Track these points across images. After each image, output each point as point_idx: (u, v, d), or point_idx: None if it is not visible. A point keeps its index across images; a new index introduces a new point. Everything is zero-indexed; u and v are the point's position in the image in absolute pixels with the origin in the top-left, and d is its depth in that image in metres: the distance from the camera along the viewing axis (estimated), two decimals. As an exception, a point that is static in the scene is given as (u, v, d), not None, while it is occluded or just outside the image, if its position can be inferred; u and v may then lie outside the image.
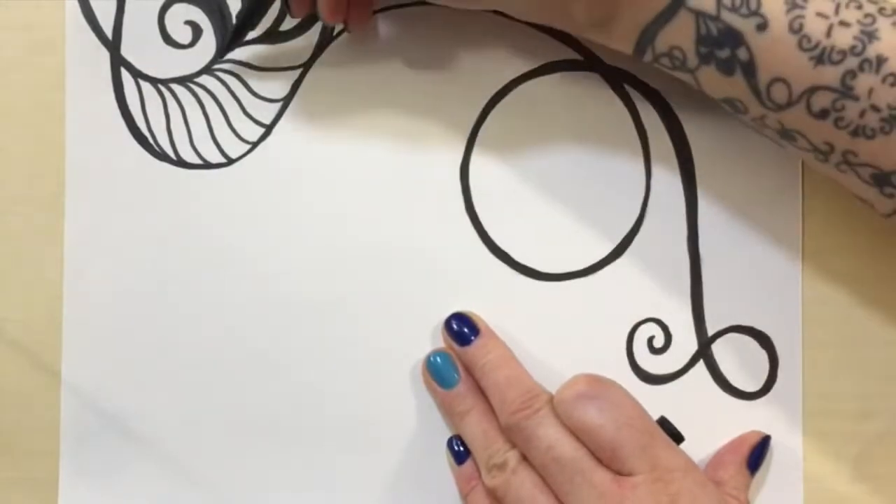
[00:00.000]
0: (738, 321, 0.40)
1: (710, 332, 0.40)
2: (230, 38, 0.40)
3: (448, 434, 0.40)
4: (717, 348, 0.40)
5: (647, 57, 0.35)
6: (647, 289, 0.41)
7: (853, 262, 0.40)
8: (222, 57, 0.41)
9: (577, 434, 0.35)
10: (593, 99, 0.40)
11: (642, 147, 0.41)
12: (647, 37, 0.34)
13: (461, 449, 0.39)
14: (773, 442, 0.40)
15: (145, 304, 0.41)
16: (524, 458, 0.36)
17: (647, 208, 0.41)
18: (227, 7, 0.41)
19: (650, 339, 0.41)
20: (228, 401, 0.41)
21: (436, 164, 0.41)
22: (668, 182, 0.41)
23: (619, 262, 0.41)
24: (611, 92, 0.40)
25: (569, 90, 0.40)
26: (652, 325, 0.41)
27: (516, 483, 0.36)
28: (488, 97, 0.41)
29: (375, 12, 0.40)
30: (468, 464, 0.39)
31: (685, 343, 0.41)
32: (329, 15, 0.38)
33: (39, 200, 0.41)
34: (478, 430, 0.38)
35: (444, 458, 0.40)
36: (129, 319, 0.41)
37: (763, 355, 0.40)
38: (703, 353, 0.40)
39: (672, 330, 0.41)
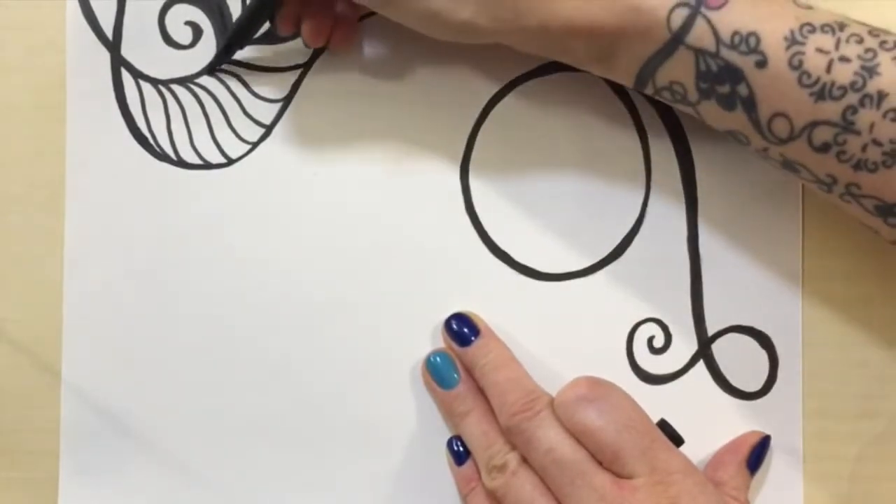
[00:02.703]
0: (738, 321, 0.40)
1: (710, 332, 0.40)
2: (218, 54, 0.40)
3: (448, 434, 0.40)
4: (717, 348, 0.40)
5: (648, 90, 0.35)
6: (647, 289, 0.41)
7: (853, 262, 0.40)
8: (210, 72, 0.41)
9: (578, 436, 0.35)
10: (593, 99, 0.40)
11: (642, 147, 0.41)
12: (646, 71, 0.34)
13: (461, 449, 0.39)
14: (773, 442, 0.40)
15: (145, 305, 0.41)
16: (524, 459, 0.36)
17: (647, 208, 0.41)
18: (227, 7, 0.41)
19: (650, 339, 0.41)
20: (228, 401, 0.41)
21: (436, 163, 0.41)
22: (667, 182, 0.41)
23: (619, 262, 0.41)
24: (611, 92, 0.40)
25: (569, 90, 0.40)
26: (652, 325, 0.41)
27: (516, 485, 0.36)
28: (488, 97, 0.41)
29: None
30: (468, 465, 0.39)
31: (685, 343, 0.41)
32: (310, 38, 0.39)
33: (39, 200, 0.41)
34: (478, 431, 0.38)
35: (444, 458, 0.40)
36: (129, 319, 0.41)
37: (763, 355, 0.40)
38: (703, 353, 0.40)
39: (672, 330, 0.41)
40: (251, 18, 0.39)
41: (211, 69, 0.41)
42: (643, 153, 0.41)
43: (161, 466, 0.41)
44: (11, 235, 0.41)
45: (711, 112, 0.35)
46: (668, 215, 0.41)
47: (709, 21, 0.33)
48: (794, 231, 0.40)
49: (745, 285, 0.40)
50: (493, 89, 0.41)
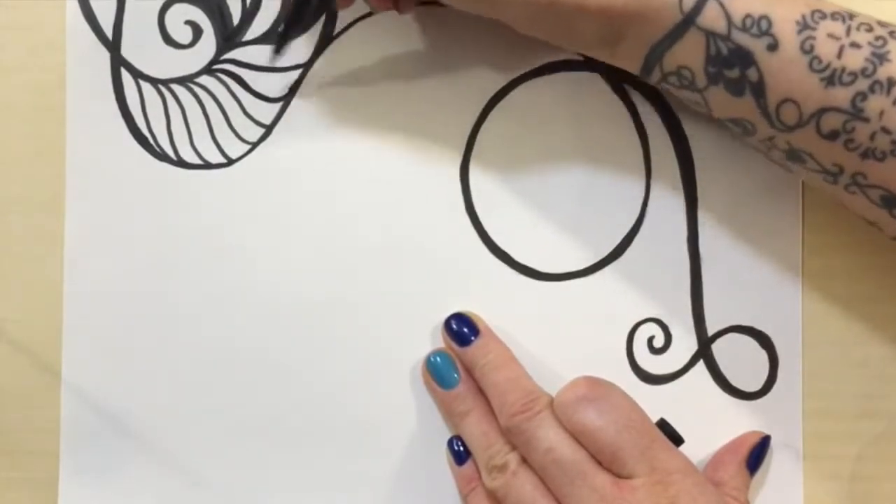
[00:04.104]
0: (738, 321, 0.40)
1: (710, 332, 0.40)
2: (280, 38, 0.39)
3: (448, 434, 0.40)
4: (717, 348, 0.40)
5: (655, 76, 0.35)
6: (647, 289, 0.41)
7: (853, 262, 0.40)
8: (277, 54, 0.39)
9: (577, 436, 0.35)
10: (593, 99, 0.40)
11: (642, 147, 0.41)
12: (654, 55, 0.34)
13: (461, 449, 0.39)
14: (773, 442, 0.40)
15: (145, 304, 0.41)
16: (524, 459, 0.36)
17: (647, 208, 0.41)
18: (227, 7, 0.41)
19: (650, 339, 0.41)
20: (228, 401, 0.41)
21: (436, 163, 0.41)
22: (667, 182, 0.40)
23: (619, 262, 0.41)
24: (611, 92, 0.40)
25: (569, 90, 0.40)
26: (652, 325, 0.41)
27: (516, 485, 0.36)
28: (488, 97, 0.41)
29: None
30: (468, 464, 0.39)
31: (685, 343, 0.41)
32: (378, 3, 0.38)
33: (39, 201, 0.41)
34: (478, 431, 0.38)
35: (444, 458, 0.40)
36: (129, 319, 0.41)
37: (763, 355, 0.40)
38: (703, 353, 0.40)
39: (672, 330, 0.41)
40: None
41: (275, 54, 0.39)
42: (643, 153, 0.41)
43: (161, 466, 0.41)
44: (11, 235, 0.41)
45: (719, 98, 0.34)
46: (668, 215, 0.40)
47: (720, 3, 0.33)
48: (794, 230, 0.40)
49: (745, 285, 0.40)
50: (493, 89, 0.41)
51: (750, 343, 0.40)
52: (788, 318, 0.40)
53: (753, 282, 0.40)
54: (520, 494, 0.36)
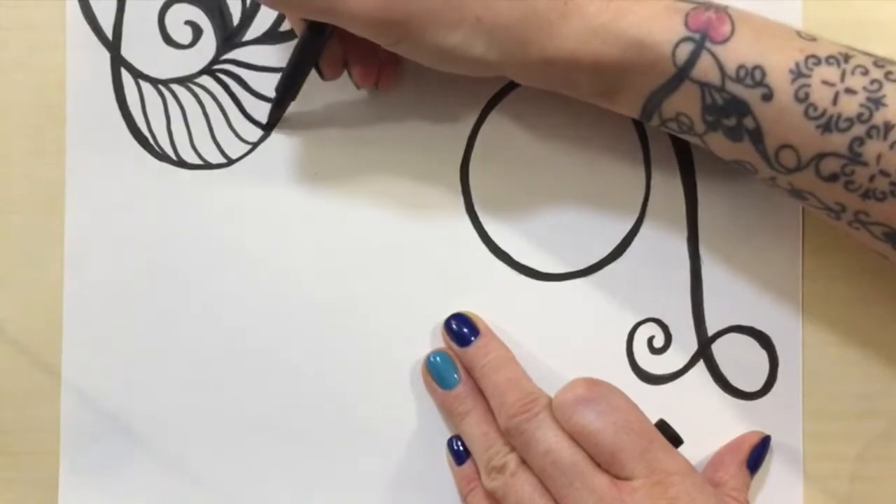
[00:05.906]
0: (738, 321, 0.40)
1: (710, 332, 0.40)
2: (273, 109, 0.40)
3: (448, 434, 0.40)
4: (717, 348, 0.40)
5: (654, 122, 0.35)
6: (647, 289, 0.41)
7: (853, 262, 0.40)
8: (267, 128, 0.41)
9: (576, 438, 0.35)
10: (593, 99, 0.40)
11: (642, 147, 0.41)
12: (651, 104, 0.35)
13: (461, 449, 0.39)
14: (773, 442, 0.40)
15: (145, 304, 0.41)
16: (524, 460, 0.36)
17: (647, 208, 0.41)
18: (227, 7, 0.41)
19: (650, 339, 0.41)
20: (228, 400, 0.41)
21: (436, 163, 0.41)
22: (668, 182, 0.40)
23: (619, 262, 0.41)
24: (611, 92, 0.40)
25: (569, 90, 0.40)
26: (652, 325, 0.41)
27: (516, 486, 0.36)
28: (488, 97, 0.41)
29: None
30: (468, 464, 0.39)
31: (685, 343, 0.41)
32: (361, 79, 0.39)
33: (39, 201, 0.41)
34: (477, 432, 0.38)
35: (444, 458, 0.40)
36: (129, 319, 0.41)
37: (763, 355, 0.40)
38: (703, 353, 0.40)
39: (672, 330, 0.41)
40: (296, 68, 0.38)
41: (269, 127, 0.41)
42: (643, 152, 0.41)
43: (161, 466, 0.41)
44: (11, 235, 0.41)
45: (718, 143, 0.35)
46: (668, 215, 0.40)
47: (713, 55, 0.33)
48: (794, 230, 0.40)
49: (745, 285, 0.40)
50: (494, 89, 0.41)
51: (750, 343, 0.40)
52: (788, 319, 0.40)
53: (753, 282, 0.40)
54: (519, 495, 0.36)
